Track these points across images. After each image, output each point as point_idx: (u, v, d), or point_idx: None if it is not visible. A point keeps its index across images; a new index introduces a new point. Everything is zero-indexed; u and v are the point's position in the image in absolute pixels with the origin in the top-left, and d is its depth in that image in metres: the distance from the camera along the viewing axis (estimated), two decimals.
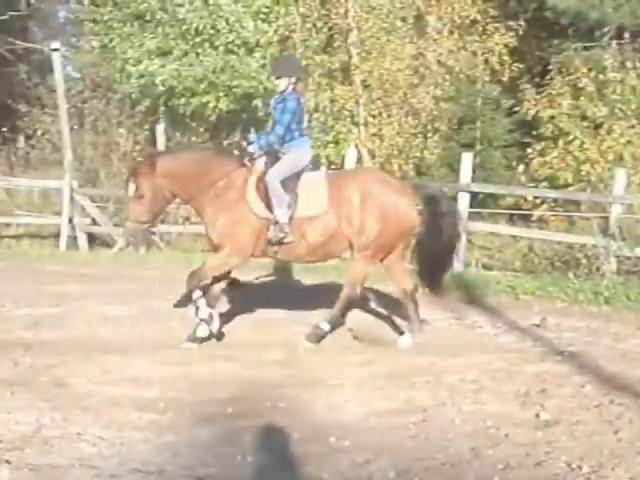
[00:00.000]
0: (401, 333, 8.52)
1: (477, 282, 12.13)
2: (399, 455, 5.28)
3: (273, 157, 8.12)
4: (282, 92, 8.18)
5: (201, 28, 18.64)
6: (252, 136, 8.34)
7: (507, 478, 4.92)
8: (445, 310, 10.07)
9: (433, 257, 8.48)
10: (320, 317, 8.40)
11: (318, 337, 8.17)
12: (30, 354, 7.68)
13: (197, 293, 7.99)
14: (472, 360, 7.66)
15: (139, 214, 7.92)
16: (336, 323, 8.40)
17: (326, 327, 8.22)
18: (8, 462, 5.01)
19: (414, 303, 8.42)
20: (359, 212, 7.97)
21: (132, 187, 7.85)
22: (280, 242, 8.01)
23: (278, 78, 8.21)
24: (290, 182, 8.01)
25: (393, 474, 4.97)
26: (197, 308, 7.99)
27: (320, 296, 8.39)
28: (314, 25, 19.10)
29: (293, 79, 8.14)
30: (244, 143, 8.29)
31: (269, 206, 7.94)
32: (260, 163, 8.12)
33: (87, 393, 6.54)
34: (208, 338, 8.18)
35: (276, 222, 7.91)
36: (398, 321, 9.13)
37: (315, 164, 8.36)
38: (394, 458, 5.21)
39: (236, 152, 8.45)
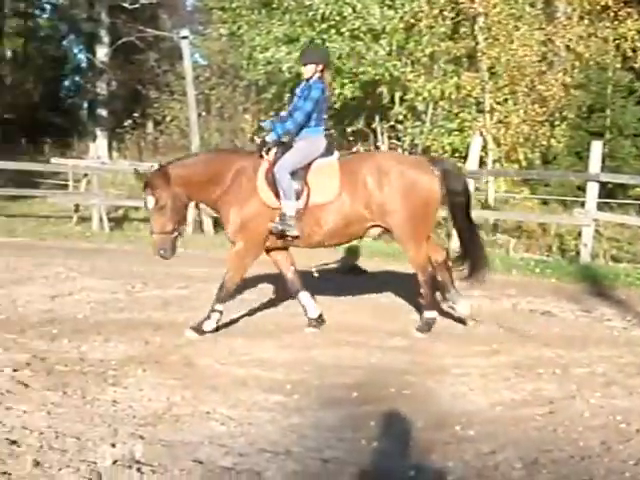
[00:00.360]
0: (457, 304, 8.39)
1: (605, 274, 11.89)
2: (526, 446, 5.20)
3: (286, 146, 7.99)
4: (308, 80, 8.07)
5: (328, 14, 18.69)
6: (265, 123, 8.37)
7: (639, 474, 4.80)
8: (572, 302, 9.90)
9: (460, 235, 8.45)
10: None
11: (429, 326, 8.17)
12: (160, 334, 7.91)
13: (219, 306, 7.98)
14: (601, 353, 7.51)
15: (164, 225, 7.84)
16: (437, 306, 8.39)
17: (432, 314, 8.22)
18: (142, 437, 5.17)
19: (448, 272, 8.31)
20: (376, 194, 7.84)
21: (152, 200, 7.79)
22: (283, 235, 7.93)
23: (305, 65, 8.09)
24: (300, 170, 7.90)
25: (520, 465, 4.90)
26: (209, 316, 7.93)
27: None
28: (440, 11, 18.91)
29: (320, 66, 8.01)
30: (261, 135, 8.24)
31: (278, 195, 7.85)
32: (272, 153, 8.01)
33: (215, 373, 6.68)
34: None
35: (283, 214, 7.82)
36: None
37: (329, 149, 8.22)
38: (520, 449, 5.15)
39: (257, 140, 8.36)
